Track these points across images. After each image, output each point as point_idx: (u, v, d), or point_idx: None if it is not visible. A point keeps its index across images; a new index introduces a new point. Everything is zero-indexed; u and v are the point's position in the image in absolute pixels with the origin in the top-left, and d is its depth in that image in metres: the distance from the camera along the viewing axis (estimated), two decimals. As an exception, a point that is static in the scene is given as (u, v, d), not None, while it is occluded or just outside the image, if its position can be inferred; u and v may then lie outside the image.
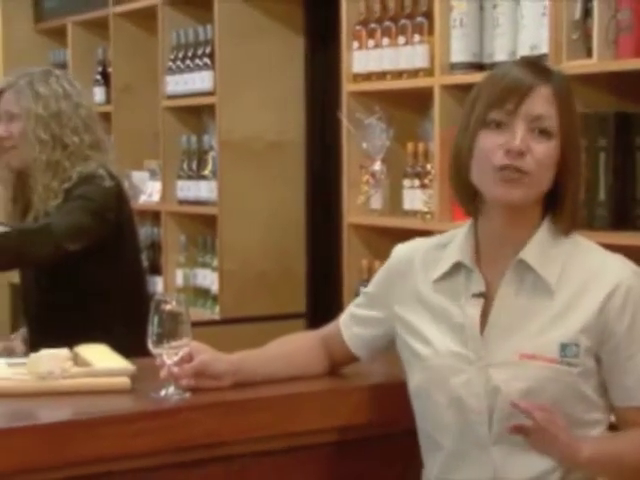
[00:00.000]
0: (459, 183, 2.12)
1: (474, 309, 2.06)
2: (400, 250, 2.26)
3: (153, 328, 2.17)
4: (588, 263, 2.05)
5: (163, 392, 2.18)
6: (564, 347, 1.99)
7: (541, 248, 2.05)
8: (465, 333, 2.06)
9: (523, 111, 2.01)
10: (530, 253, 2.04)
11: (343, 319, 2.32)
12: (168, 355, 2.17)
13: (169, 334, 2.17)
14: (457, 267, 2.11)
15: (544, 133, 2.01)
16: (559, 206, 2.07)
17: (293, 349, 2.36)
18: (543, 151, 2.01)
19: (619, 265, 2.05)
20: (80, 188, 3.23)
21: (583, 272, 2.04)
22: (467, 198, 2.12)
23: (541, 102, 2.02)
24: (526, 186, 2.00)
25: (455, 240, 2.15)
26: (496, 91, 2.04)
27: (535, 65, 2.13)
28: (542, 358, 1.99)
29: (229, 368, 2.24)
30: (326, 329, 2.38)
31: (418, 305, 2.14)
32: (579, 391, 2.01)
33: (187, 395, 2.18)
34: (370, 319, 2.26)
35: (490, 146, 2.02)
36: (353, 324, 2.30)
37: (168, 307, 2.19)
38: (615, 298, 2.00)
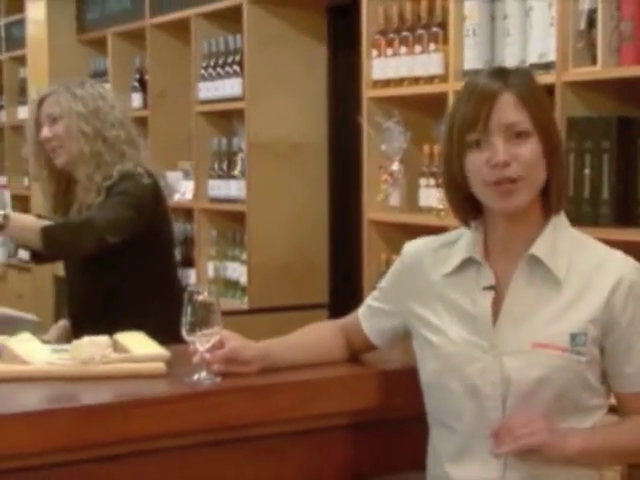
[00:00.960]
0: (456, 202, 2.11)
1: (485, 301, 2.05)
2: (410, 247, 2.25)
3: (186, 317, 2.17)
4: (593, 258, 2.04)
5: (196, 377, 2.18)
6: (574, 337, 1.98)
7: (550, 244, 2.03)
8: (477, 323, 2.04)
9: (495, 124, 1.98)
10: (540, 248, 2.03)
11: (362, 311, 2.32)
12: (200, 342, 2.17)
13: (201, 323, 2.17)
14: (467, 262, 2.10)
15: (521, 135, 1.98)
16: (548, 189, 2.04)
17: (316, 337, 2.36)
18: (527, 152, 1.98)
19: (622, 261, 2.04)
20: (120, 185, 3.24)
21: (589, 266, 2.02)
22: (464, 212, 2.11)
23: (509, 110, 1.98)
24: (522, 190, 1.98)
25: (463, 237, 2.14)
26: (466, 113, 2.01)
27: (494, 74, 2.06)
28: (554, 347, 1.98)
29: (257, 355, 2.24)
30: (346, 319, 2.37)
31: (430, 298, 2.13)
32: (585, 379, 2.00)
33: (218, 379, 2.18)
34: (385, 312, 2.26)
35: (477, 166, 2.00)
36: (371, 316, 2.29)
37: (200, 298, 2.19)
38: (619, 292, 1.98)
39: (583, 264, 2.02)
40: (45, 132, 3.30)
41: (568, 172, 3.24)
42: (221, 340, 2.19)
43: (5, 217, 3.05)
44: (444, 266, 2.12)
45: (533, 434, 1.94)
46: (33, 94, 7.27)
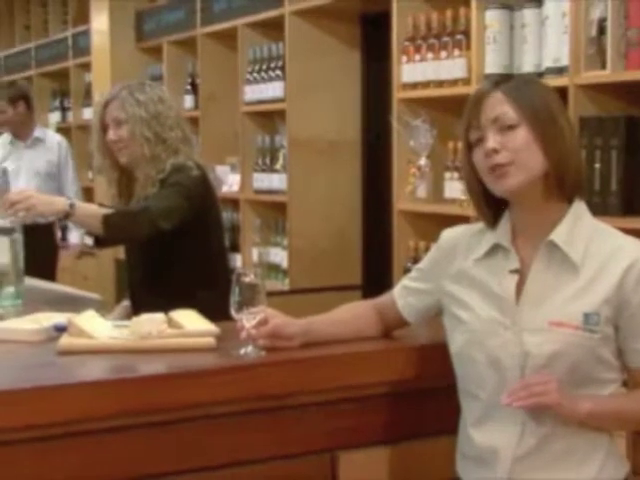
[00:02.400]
0: (477, 202, 2.12)
1: (510, 283, 2.04)
2: (447, 234, 2.24)
3: (234, 297, 2.17)
4: (608, 243, 2.02)
5: (243, 351, 2.17)
6: (587, 316, 1.96)
7: (568, 231, 2.02)
8: (502, 302, 2.03)
9: (484, 120, 2.01)
10: (558, 235, 2.01)
11: (397, 290, 2.31)
12: (247, 319, 2.17)
13: (248, 302, 2.17)
14: (496, 248, 2.09)
15: (509, 127, 1.99)
16: (558, 177, 2.03)
17: (353, 315, 2.35)
18: (514, 140, 1.98)
19: (635, 245, 2.02)
20: (172, 177, 3.24)
21: (604, 251, 2.00)
22: (485, 210, 2.11)
23: (494, 105, 2.01)
24: (514, 173, 1.98)
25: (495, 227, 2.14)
26: (466, 115, 2.06)
27: (492, 80, 2.13)
28: (569, 325, 1.96)
29: (299, 331, 2.23)
30: (381, 299, 2.36)
31: (462, 280, 2.12)
32: (598, 354, 1.98)
33: (263, 353, 2.17)
34: (420, 291, 2.25)
35: (480, 158, 2.03)
36: (406, 294, 2.28)
37: (247, 279, 2.19)
38: (631, 274, 1.96)
39: (599, 250, 2.00)
40: (111, 135, 3.31)
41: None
42: (266, 317, 2.19)
43: (72, 206, 3.06)
44: (475, 251, 2.12)
45: (547, 393, 1.93)
46: (97, 97, 7.32)
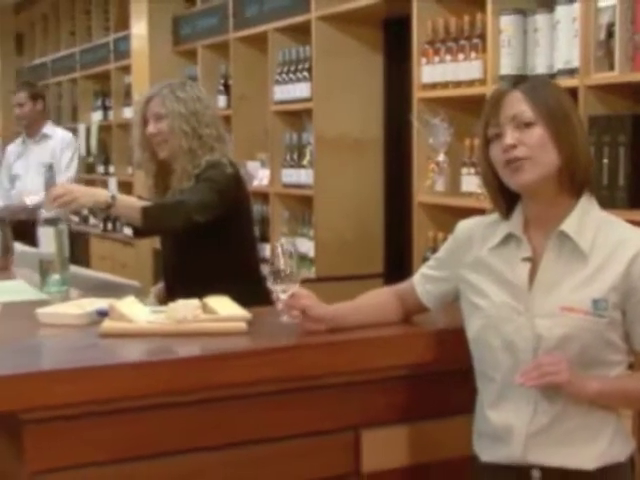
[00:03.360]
0: (493, 194, 2.11)
1: (523, 270, 2.03)
2: (462, 225, 2.23)
3: (271, 270, 2.27)
4: (616, 234, 2.00)
5: (282, 319, 2.26)
6: (596, 302, 1.95)
7: (578, 221, 2.01)
8: (515, 289, 2.03)
9: (502, 117, 2.00)
10: (569, 225, 2.00)
11: (416, 278, 2.30)
12: (282, 292, 2.24)
13: (283, 276, 2.26)
14: (509, 237, 2.08)
15: (526, 125, 1.99)
16: (568, 172, 2.01)
17: (376, 302, 2.34)
18: (531, 137, 1.98)
19: (638, 236, 2.00)
20: (207, 173, 3.23)
21: (611, 241, 1.99)
22: (500, 202, 2.10)
23: (512, 104, 2.00)
24: (529, 168, 1.98)
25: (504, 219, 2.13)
26: (485, 113, 2.06)
27: (510, 80, 2.15)
28: (578, 310, 1.95)
29: (326, 314, 2.24)
30: (402, 286, 2.35)
31: (478, 268, 2.11)
32: (606, 337, 1.97)
33: (297, 321, 2.22)
34: (438, 278, 2.24)
35: (497, 152, 2.02)
36: (424, 282, 2.27)
37: (282, 254, 2.28)
38: (638, 262, 1.95)
39: (607, 240, 1.99)
40: (151, 128, 3.31)
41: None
42: (299, 293, 2.23)
43: (113, 198, 3.07)
44: (490, 241, 2.11)
45: (557, 373, 1.92)
46: (136, 97, 7.34)
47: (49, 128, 6.19)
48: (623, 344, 2.00)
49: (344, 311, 2.29)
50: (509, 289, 2.04)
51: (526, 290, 2.02)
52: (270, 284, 2.23)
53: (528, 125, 1.99)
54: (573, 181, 2.01)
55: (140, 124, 3.36)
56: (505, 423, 2.03)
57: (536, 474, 2.00)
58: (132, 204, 3.15)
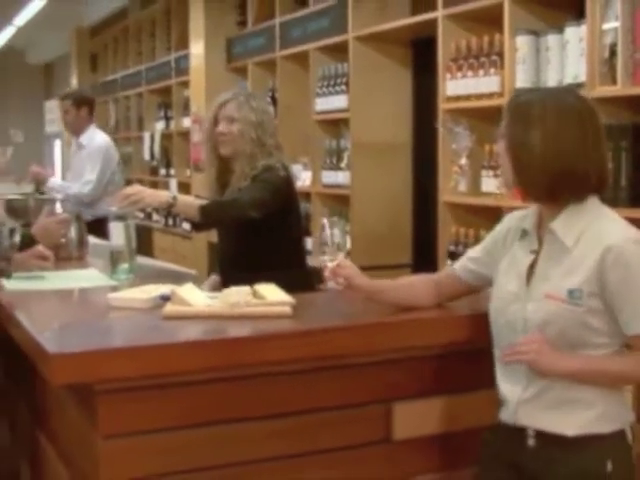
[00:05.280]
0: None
1: (527, 261, 2.05)
2: (507, 217, 2.23)
3: (319, 242, 2.34)
4: (598, 230, 1.96)
5: (330, 284, 2.28)
6: (571, 292, 1.93)
7: (565, 219, 1.99)
8: (520, 277, 2.05)
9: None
10: (556, 223, 2.00)
11: (460, 263, 2.28)
12: (329, 261, 2.28)
13: (330, 248, 2.34)
14: (525, 232, 2.10)
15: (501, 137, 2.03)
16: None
17: (413, 284, 2.33)
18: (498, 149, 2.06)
19: (617, 232, 1.95)
20: (262, 175, 3.24)
21: (594, 237, 1.95)
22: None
23: (504, 119, 2.04)
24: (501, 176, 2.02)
25: (530, 214, 2.13)
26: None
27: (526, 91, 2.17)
28: (557, 298, 1.95)
29: (366, 285, 2.25)
30: (439, 273, 2.36)
31: (506, 257, 2.13)
32: (585, 322, 1.94)
33: (341, 287, 2.25)
34: (482, 261, 2.22)
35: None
36: (469, 264, 2.25)
37: (330, 230, 2.35)
38: (608, 256, 1.91)
39: (590, 235, 1.96)
40: (222, 127, 3.32)
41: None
42: (342, 265, 2.25)
43: (174, 198, 3.09)
44: (517, 234, 2.13)
45: (525, 353, 1.94)
46: (194, 108, 7.38)
47: (87, 135, 5.60)
48: (608, 328, 1.95)
49: (382, 287, 2.29)
50: (517, 277, 2.06)
51: (524, 279, 2.04)
52: (320, 256, 2.26)
53: (501, 137, 2.02)
54: (566, 191, 1.97)
55: (211, 123, 3.36)
56: (504, 391, 2.07)
57: (530, 433, 2.02)
58: (191, 203, 3.17)
